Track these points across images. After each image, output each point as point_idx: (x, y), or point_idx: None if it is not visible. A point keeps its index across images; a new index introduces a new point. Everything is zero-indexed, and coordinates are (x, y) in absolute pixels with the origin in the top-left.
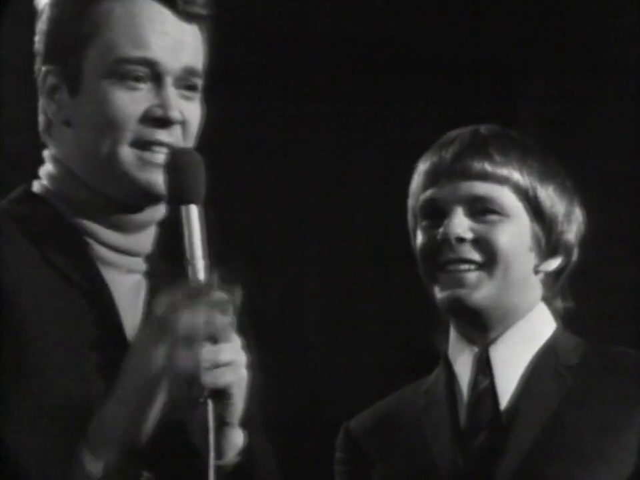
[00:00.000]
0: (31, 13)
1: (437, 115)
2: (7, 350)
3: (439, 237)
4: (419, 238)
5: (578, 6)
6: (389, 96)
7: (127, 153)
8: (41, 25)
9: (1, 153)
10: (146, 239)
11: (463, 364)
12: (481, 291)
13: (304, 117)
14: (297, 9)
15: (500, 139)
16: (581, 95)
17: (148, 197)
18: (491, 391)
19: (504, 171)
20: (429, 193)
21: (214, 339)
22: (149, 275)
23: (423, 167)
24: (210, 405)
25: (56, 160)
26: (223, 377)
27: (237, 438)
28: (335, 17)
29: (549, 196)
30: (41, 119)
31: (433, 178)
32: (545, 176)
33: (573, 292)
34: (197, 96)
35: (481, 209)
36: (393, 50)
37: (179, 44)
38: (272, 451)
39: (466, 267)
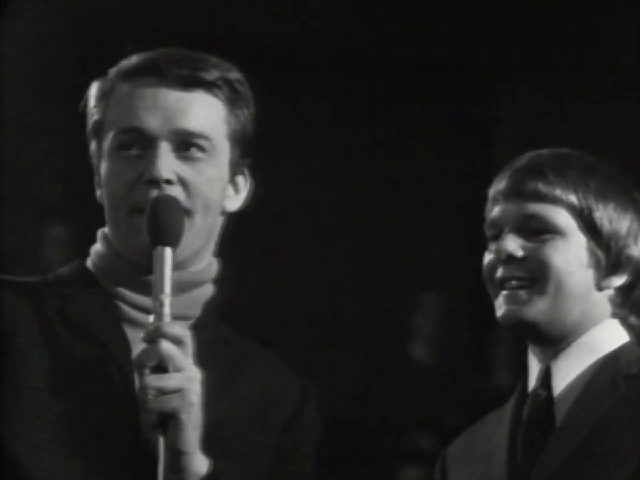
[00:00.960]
0: (31, 14)
1: (419, 116)
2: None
3: (494, 255)
4: (485, 258)
5: (559, 9)
6: (372, 96)
7: (125, 219)
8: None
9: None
10: (183, 303)
11: (532, 379)
12: (533, 307)
13: (282, 115)
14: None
15: (558, 159)
16: (561, 96)
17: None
18: (548, 403)
19: (557, 191)
20: (490, 215)
21: (164, 368)
22: None
23: (490, 191)
24: (159, 432)
25: (103, 236)
26: (169, 403)
27: (198, 467)
28: (317, 20)
29: (607, 214)
30: None
31: (494, 201)
32: (605, 195)
33: None
34: (205, 157)
35: (534, 228)
36: (376, 52)
37: (172, 111)
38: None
39: (517, 284)
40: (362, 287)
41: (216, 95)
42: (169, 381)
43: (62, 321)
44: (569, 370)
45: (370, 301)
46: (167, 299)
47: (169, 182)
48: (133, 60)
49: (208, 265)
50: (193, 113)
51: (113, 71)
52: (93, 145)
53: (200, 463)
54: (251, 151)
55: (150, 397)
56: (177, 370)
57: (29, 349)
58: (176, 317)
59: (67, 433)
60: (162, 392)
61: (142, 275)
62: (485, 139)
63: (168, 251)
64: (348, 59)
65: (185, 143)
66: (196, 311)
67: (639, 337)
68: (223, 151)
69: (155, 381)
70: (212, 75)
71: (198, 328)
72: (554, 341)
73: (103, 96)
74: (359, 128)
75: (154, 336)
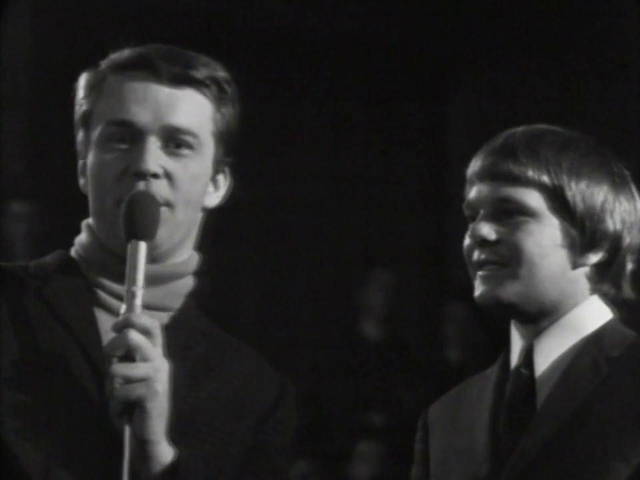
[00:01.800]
0: (32, 14)
1: (370, 104)
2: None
3: (470, 239)
4: (465, 240)
5: None
6: (327, 80)
7: (112, 211)
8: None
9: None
10: (163, 294)
11: (514, 356)
12: (506, 289)
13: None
14: None
15: (532, 138)
16: (514, 85)
17: None
18: (530, 383)
19: (529, 172)
20: (467, 197)
21: (132, 358)
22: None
23: (467, 172)
24: (125, 420)
25: (87, 227)
26: (134, 391)
27: (163, 455)
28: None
29: (580, 192)
30: None
31: (470, 182)
32: (578, 172)
33: (635, 282)
34: (191, 153)
35: (507, 211)
36: (331, 37)
37: (163, 107)
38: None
39: (491, 267)
40: (313, 263)
41: (204, 94)
42: (135, 369)
43: (37, 304)
44: (551, 350)
45: (321, 278)
46: (139, 291)
47: (155, 176)
48: (125, 54)
49: (188, 257)
50: (182, 109)
51: (104, 63)
52: (80, 135)
53: (165, 452)
54: (233, 149)
55: (116, 385)
56: (144, 360)
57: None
58: (155, 308)
59: (32, 420)
60: (128, 380)
61: (124, 265)
62: (440, 126)
63: (142, 245)
64: (313, 40)
65: (173, 139)
66: (176, 303)
67: (620, 311)
68: (208, 148)
69: (121, 369)
70: (202, 73)
71: (177, 320)
72: (534, 319)
73: (93, 87)
74: (311, 111)
75: (123, 325)
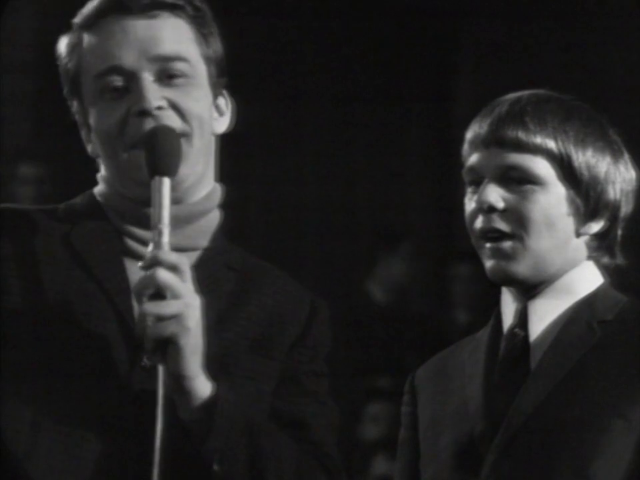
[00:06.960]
0: (32, 12)
1: (379, 60)
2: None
3: (475, 205)
4: (466, 205)
5: None
6: (337, 35)
7: (125, 156)
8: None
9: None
10: (192, 233)
11: (508, 317)
12: (520, 262)
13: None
14: None
15: (539, 105)
16: (521, 42)
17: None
18: (524, 344)
19: (537, 140)
20: (469, 160)
21: (162, 295)
22: None
23: (468, 134)
24: (158, 358)
25: (102, 178)
26: (166, 329)
27: (201, 390)
28: None
29: (586, 161)
30: None
31: (474, 145)
32: (583, 141)
33: (624, 248)
34: (187, 81)
35: (515, 178)
36: None
37: (145, 40)
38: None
39: (497, 236)
40: (327, 229)
41: (180, 16)
42: (167, 307)
43: (63, 249)
44: (545, 311)
45: (331, 245)
46: (165, 229)
47: (160, 108)
48: (93, 4)
49: (211, 191)
50: (165, 37)
51: (76, 22)
52: (75, 103)
53: (203, 386)
54: (225, 70)
55: (148, 323)
56: (175, 297)
57: (27, 280)
58: (184, 249)
59: (57, 372)
60: (160, 318)
61: (146, 209)
62: (452, 85)
63: (166, 181)
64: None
65: (165, 69)
66: (204, 241)
67: (612, 277)
68: (201, 71)
69: (152, 307)
70: None
71: (204, 258)
72: (534, 285)
73: (73, 49)
74: (318, 70)
75: (151, 264)
